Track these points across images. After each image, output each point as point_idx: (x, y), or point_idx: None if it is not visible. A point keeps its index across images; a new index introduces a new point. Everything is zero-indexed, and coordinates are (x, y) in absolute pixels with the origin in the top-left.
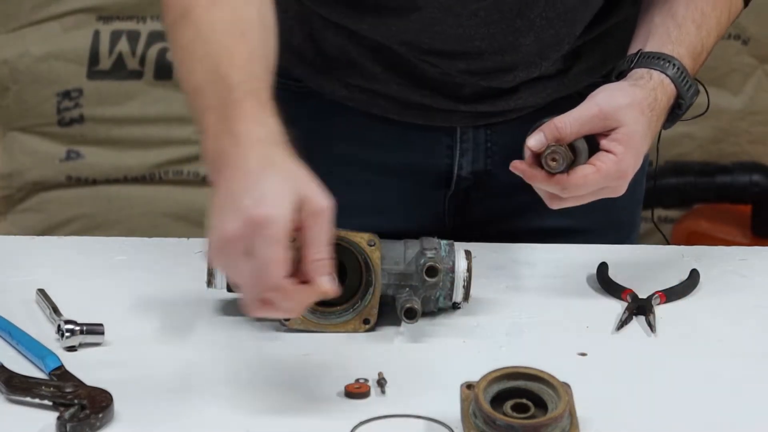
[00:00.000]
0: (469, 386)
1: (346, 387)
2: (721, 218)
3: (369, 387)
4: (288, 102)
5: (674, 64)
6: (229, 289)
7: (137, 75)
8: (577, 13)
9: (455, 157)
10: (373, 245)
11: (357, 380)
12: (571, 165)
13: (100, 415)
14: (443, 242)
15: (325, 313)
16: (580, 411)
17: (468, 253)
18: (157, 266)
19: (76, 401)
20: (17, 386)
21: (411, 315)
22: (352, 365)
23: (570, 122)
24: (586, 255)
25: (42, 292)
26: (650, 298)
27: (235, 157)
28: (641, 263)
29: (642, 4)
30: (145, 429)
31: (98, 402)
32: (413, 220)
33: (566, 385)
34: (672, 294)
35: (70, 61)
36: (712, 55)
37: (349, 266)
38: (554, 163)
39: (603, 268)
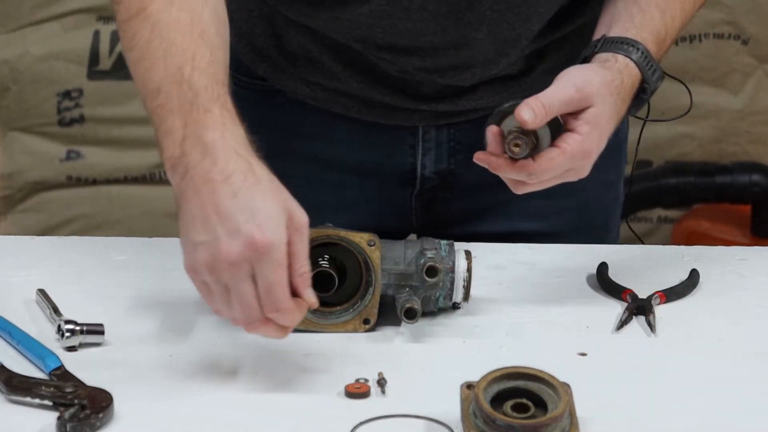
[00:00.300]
0: (469, 386)
1: (346, 387)
2: (721, 218)
3: (369, 387)
4: (252, 101)
5: (638, 48)
6: None
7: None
8: (530, 7)
9: (418, 157)
10: (373, 245)
11: (357, 380)
12: (533, 150)
13: (100, 415)
14: (443, 242)
15: (325, 313)
16: (580, 411)
17: (468, 253)
18: (157, 266)
19: (76, 401)
20: (17, 386)
21: (411, 315)
22: (352, 365)
23: (554, 100)
24: (586, 255)
25: (42, 292)
26: (650, 298)
27: (211, 168)
28: (641, 263)
29: None
30: (145, 429)
31: (98, 402)
32: (380, 219)
33: (566, 385)
34: (672, 294)
35: (70, 61)
36: (712, 55)
37: (349, 266)
38: (517, 148)
39: (603, 268)
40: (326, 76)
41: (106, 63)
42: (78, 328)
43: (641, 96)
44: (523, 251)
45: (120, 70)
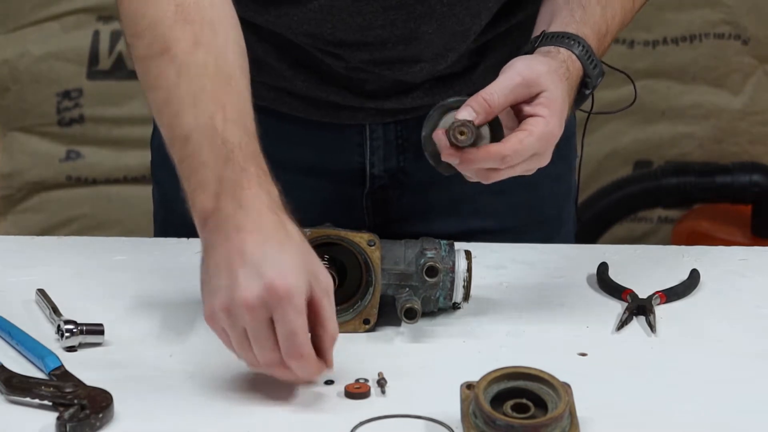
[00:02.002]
0: (469, 386)
1: (346, 387)
2: (721, 218)
3: (369, 387)
4: None
5: (579, 43)
6: None
7: (137, 75)
8: (480, 2)
9: (366, 155)
10: (373, 245)
11: (357, 380)
12: (475, 142)
13: (100, 415)
14: (443, 242)
15: None
16: (580, 411)
17: (468, 253)
18: (157, 266)
19: (76, 401)
20: (17, 386)
21: (411, 315)
22: (352, 365)
23: (497, 93)
24: (586, 255)
25: (42, 292)
26: (650, 298)
27: (244, 219)
28: (641, 263)
29: None
30: (145, 429)
31: (98, 402)
32: (332, 218)
33: (566, 385)
34: (672, 294)
35: (70, 61)
36: (713, 55)
37: (349, 266)
38: (463, 136)
39: (603, 268)
40: (271, 75)
41: (105, 63)
42: (78, 328)
43: (583, 91)
44: (523, 251)
45: (120, 70)
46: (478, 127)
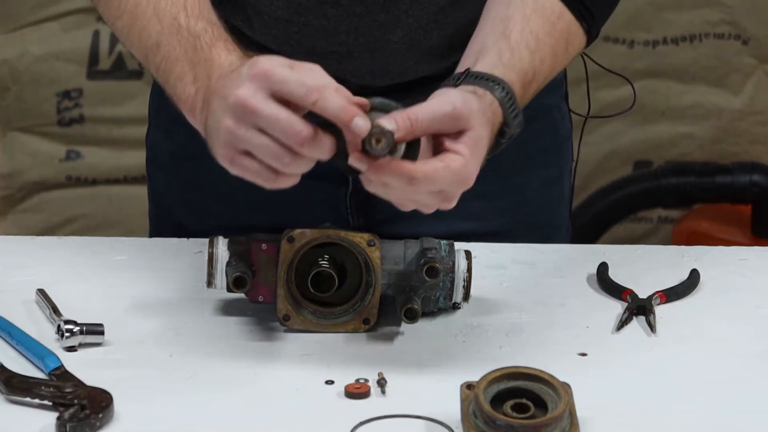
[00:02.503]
0: (469, 386)
1: (346, 387)
2: (721, 218)
3: (369, 387)
4: None
5: (503, 87)
6: (229, 289)
7: (137, 75)
8: (447, 16)
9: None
10: (373, 245)
11: (357, 380)
12: (391, 154)
13: (100, 415)
14: (443, 242)
15: (325, 313)
16: (580, 411)
17: (468, 253)
18: (157, 266)
19: (76, 401)
20: (17, 386)
21: (411, 315)
22: (352, 365)
23: (424, 116)
24: (586, 255)
25: (42, 292)
26: (650, 298)
27: (223, 71)
28: (641, 263)
29: (480, 19)
30: (145, 429)
31: (98, 402)
32: (316, 218)
33: (566, 385)
34: (672, 294)
35: (70, 61)
36: (713, 55)
37: (349, 266)
38: (379, 145)
39: (603, 268)
40: None
41: (105, 63)
42: (78, 328)
43: (498, 139)
44: (523, 251)
45: (120, 70)
46: (397, 143)
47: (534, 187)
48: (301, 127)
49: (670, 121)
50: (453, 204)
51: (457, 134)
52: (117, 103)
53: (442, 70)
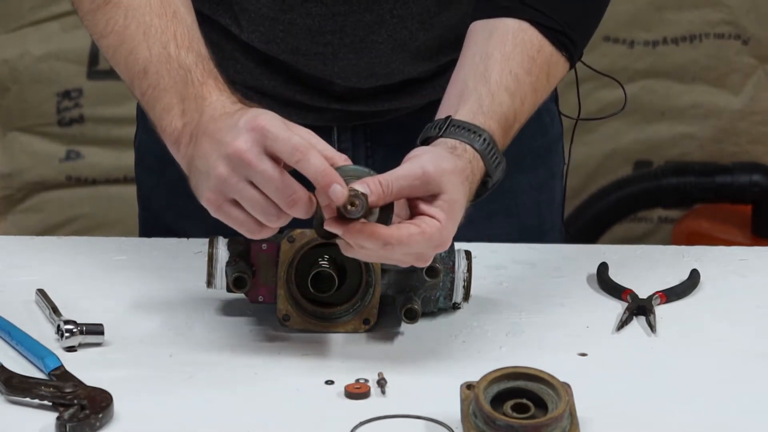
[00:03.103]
0: (469, 386)
1: (346, 387)
2: (721, 218)
3: (369, 387)
4: None
5: (484, 139)
6: (229, 289)
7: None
8: (433, 16)
9: None
10: None
11: (357, 380)
12: (365, 216)
13: (100, 415)
14: None
15: (325, 313)
16: (580, 411)
17: (468, 253)
18: (157, 266)
19: (75, 401)
20: (17, 386)
21: (411, 315)
22: (352, 365)
23: (395, 181)
24: (586, 255)
25: (42, 292)
26: (650, 298)
27: (214, 113)
28: (641, 263)
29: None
30: (144, 429)
31: (98, 402)
32: (300, 220)
33: (566, 385)
34: (672, 294)
35: (70, 61)
36: (713, 55)
37: (349, 266)
38: (353, 207)
39: (603, 268)
40: (239, 72)
41: (105, 63)
42: (77, 328)
43: (482, 189)
44: (523, 251)
45: None
46: (372, 207)
47: (523, 192)
48: (295, 188)
49: (670, 121)
50: (428, 263)
51: (432, 197)
52: (117, 103)
53: (428, 73)
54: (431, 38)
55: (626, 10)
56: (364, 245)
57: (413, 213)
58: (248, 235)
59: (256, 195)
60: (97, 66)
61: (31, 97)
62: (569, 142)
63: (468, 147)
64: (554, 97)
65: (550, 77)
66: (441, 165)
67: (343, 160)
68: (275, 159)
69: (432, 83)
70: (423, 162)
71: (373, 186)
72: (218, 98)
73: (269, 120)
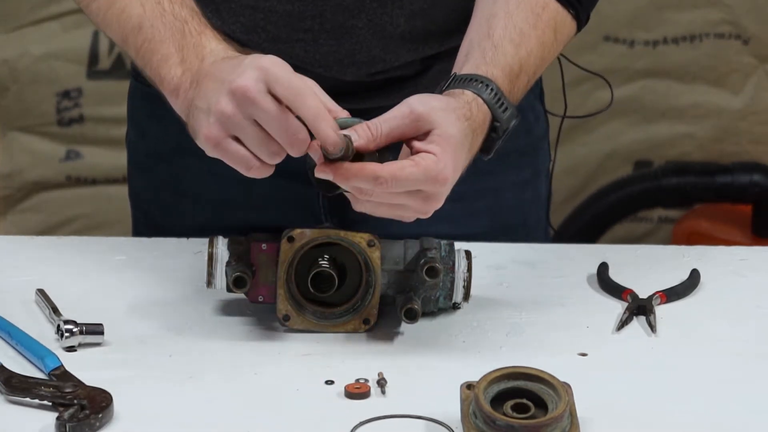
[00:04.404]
0: (469, 386)
1: (346, 387)
2: (722, 218)
3: (369, 387)
4: (155, 96)
5: (488, 86)
6: (229, 289)
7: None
8: (413, 3)
9: None
10: (373, 245)
11: (357, 380)
12: (347, 154)
13: (100, 415)
14: (443, 242)
15: (325, 313)
16: (580, 411)
17: (468, 253)
18: (156, 266)
19: (75, 401)
20: (17, 386)
21: (411, 315)
22: (352, 365)
23: (383, 123)
24: (586, 255)
25: (42, 292)
26: (650, 298)
27: (216, 58)
28: (641, 263)
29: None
30: (144, 429)
31: (98, 402)
32: (290, 218)
33: (566, 385)
34: (672, 294)
35: (70, 61)
36: (713, 54)
37: (349, 266)
38: (334, 149)
39: (603, 268)
40: None
41: (105, 63)
42: (77, 328)
43: (492, 135)
44: (523, 251)
45: (119, 69)
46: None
47: (507, 190)
48: (298, 128)
49: (670, 121)
50: (438, 204)
51: (425, 135)
52: (117, 103)
53: (412, 69)
54: (413, 26)
55: (626, 9)
56: (357, 185)
57: (412, 154)
58: (245, 172)
59: (259, 131)
60: (96, 66)
61: (31, 97)
62: (555, 140)
63: (467, 91)
64: (539, 95)
65: (557, 35)
66: (430, 103)
67: (343, 113)
68: (276, 99)
69: (415, 81)
70: (411, 101)
71: (361, 131)
72: (217, 46)
73: (273, 61)
